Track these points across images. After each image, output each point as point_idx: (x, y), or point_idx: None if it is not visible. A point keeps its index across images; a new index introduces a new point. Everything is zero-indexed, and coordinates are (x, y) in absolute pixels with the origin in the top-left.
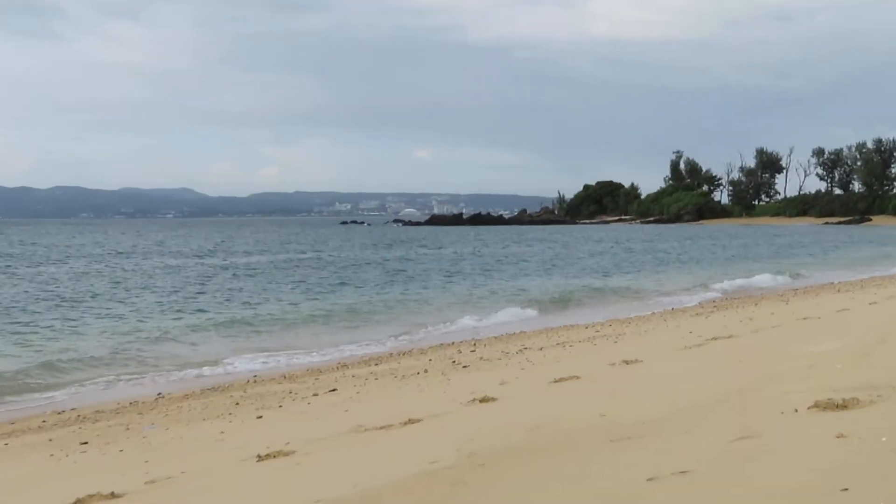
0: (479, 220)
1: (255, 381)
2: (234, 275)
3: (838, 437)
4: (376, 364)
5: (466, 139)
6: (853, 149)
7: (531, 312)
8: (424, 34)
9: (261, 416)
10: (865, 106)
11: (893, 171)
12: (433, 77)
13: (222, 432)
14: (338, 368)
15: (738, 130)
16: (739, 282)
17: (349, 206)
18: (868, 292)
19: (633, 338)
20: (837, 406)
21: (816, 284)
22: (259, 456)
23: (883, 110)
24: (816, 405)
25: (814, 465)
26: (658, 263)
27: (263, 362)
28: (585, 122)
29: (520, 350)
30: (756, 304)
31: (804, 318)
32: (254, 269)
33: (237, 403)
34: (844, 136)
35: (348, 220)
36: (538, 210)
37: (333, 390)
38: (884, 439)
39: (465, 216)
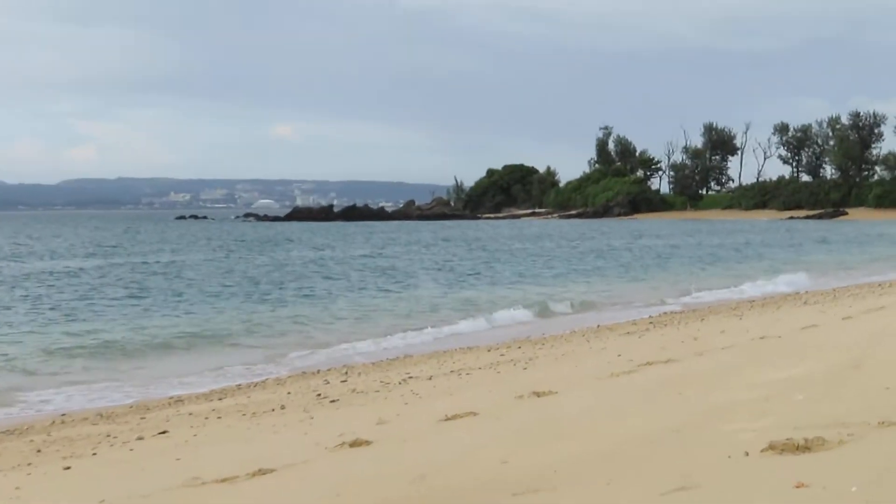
0: (354, 214)
1: (62, 422)
2: (35, 285)
3: (798, 486)
4: (220, 398)
5: (339, 113)
6: (824, 125)
7: (428, 333)
8: None
9: (69, 467)
10: (839, 72)
11: (874, 152)
12: (298, 35)
13: (18, 488)
14: (170, 404)
15: (682, 102)
16: (721, 293)
17: (188, 197)
18: (841, 304)
19: (546, 363)
20: (798, 448)
21: (777, 294)
22: None
23: (861, 77)
24: (772, 447)
25: None
26: (588, 271)
27: (73, 396)
28: (490, 92)
29: (404, 379)
30: (702, 320)
31: (761, 338)
32: (65, 277)
33: (39, 451)
34: (814, 109)
35: (187, 215)
36: (429, 202)
37: (163, 432)
38: (854, 489)
39: (336, 209)
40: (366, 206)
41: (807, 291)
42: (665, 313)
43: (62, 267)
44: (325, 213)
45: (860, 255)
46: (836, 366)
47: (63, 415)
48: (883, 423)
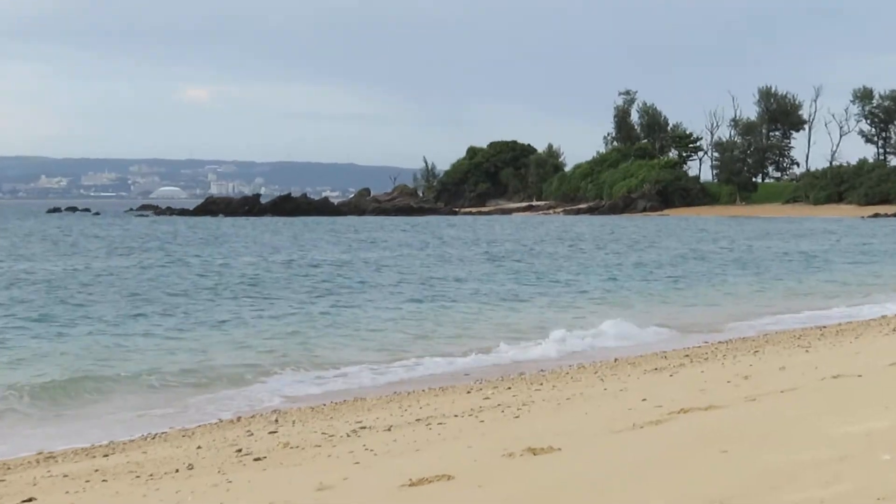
0: (289, 206)
1: None
2: None
3: None
4: (105, 455)
5: (270, 72)
6: None
7: (394, 372)
8: None
9: None
10: None
11: None
12: None
13: None
14: (39, 462)
15: (730, 59)
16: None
17: (65, 182)
18: None
19: (546, 409)
20: None
21: (855, 319)
22: None
23: None
24: None
25: None
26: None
27: None
28: (472, 44)
29: (354, 430)
30: (756, 352)
31: (834, 377)
32: None
33: None
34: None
35: (63, 207)
36: (390, 191)
37: (29, 501)
38: None
39: (264, 200)
40: (304, 195)
41: (894, 315)
42: (707, 343)
43: None
44: (249, 205)
45: None
46: None
47: None
48: None
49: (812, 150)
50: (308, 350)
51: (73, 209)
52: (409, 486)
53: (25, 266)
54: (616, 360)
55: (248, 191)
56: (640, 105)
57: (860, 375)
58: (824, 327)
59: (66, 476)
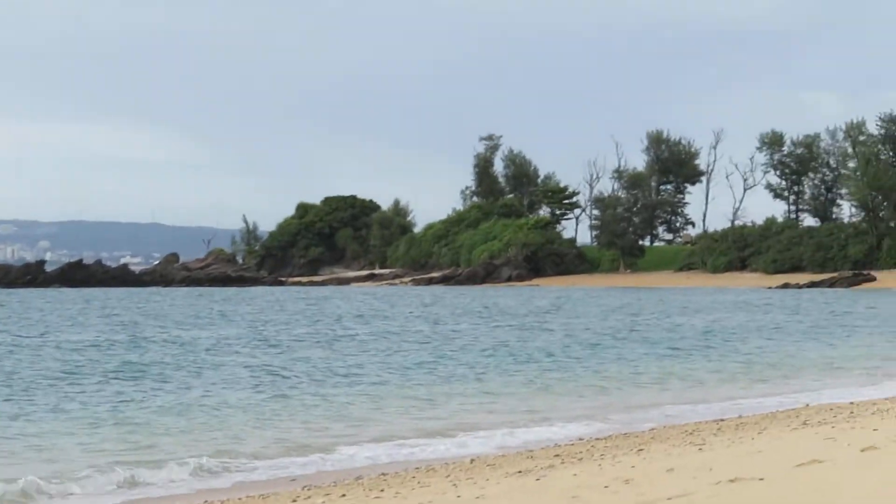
0: (81, 275)
1: None
2: None
3: None
4: None
5: (56, 109)
6: (839, 134)
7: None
8: None
9: None
10: (860, 50)
11: None
12: None
13: None
14: None
15: (613, 99)
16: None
17: None
18: (862, 425)
19: None
20: None
21: (759, 411)
22: None
23: (883, 63)
24: None
25: None
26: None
27: None
28: (306, 83)
29: None
30: (640, 451)
31: (731, 481)
32: None
33: None
34: (823, 108)
35: None
36: (203, 256)
37: None
38: None
39: (49, 268)
40: (99, 262)
41: (807, 405)
42: (581, 440)
43: None
44: (32, 274)
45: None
46: None
47: None
48: None
49: (710, 208)
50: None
51: None
52: None
53: None
54: (472, 460)
55: (30, 257)
56: (506, 152)
57: (762, 479)
58: (722, 420)
59: None
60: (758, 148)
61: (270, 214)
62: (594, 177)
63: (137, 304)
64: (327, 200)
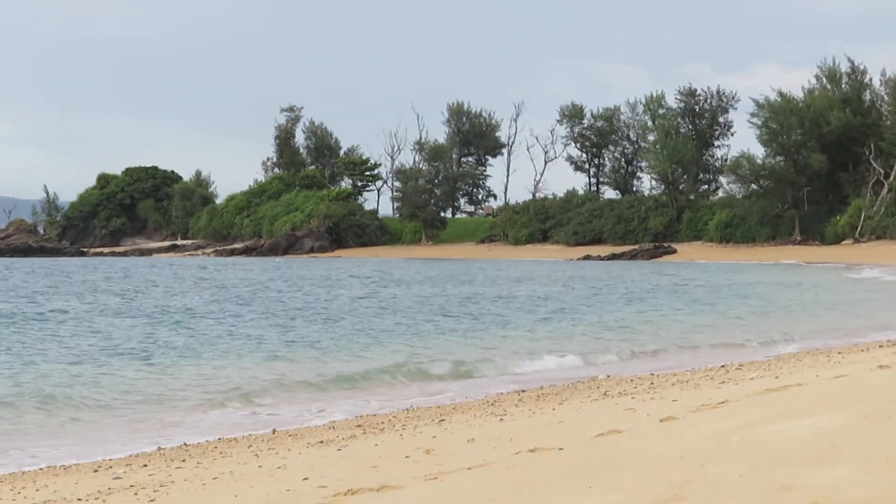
0: None
1: None
2: None
3: None
4: None
5: None
6: (640, 107)
7: None
8: None
9: None
10: (664, 25)
11: (717, 154)
12: None
13: None
14: None
15: (408, 69)
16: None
17: None
18: (661, 397)
19: (188, 491)
20: None
21: (560, 382)
22: None
23: (696, 34)
24: None
25: None
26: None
27: None
28: (105, 53)
29: None
30: (442, 421)
31: (531, 451)
32: None
33: None
34: (625, 80)
35: None
36: (4, 227)
37: None
38: None
39: None
40: None
41: (608, 377)
42: (383, 411)
43: None
44: None
45: (697, 318)
46: (648, 498)
47: None
48: None
49: (512, 180)
50: None
51: None
52: None
53: None
54: (274, 431)
55: None
56: (307, 124)
57: (561, 448)
58: (523, 391)
59: None
60: (558, 121)
61: (72, 185)
62: (395, 149)
63: None
64: (128, 171)
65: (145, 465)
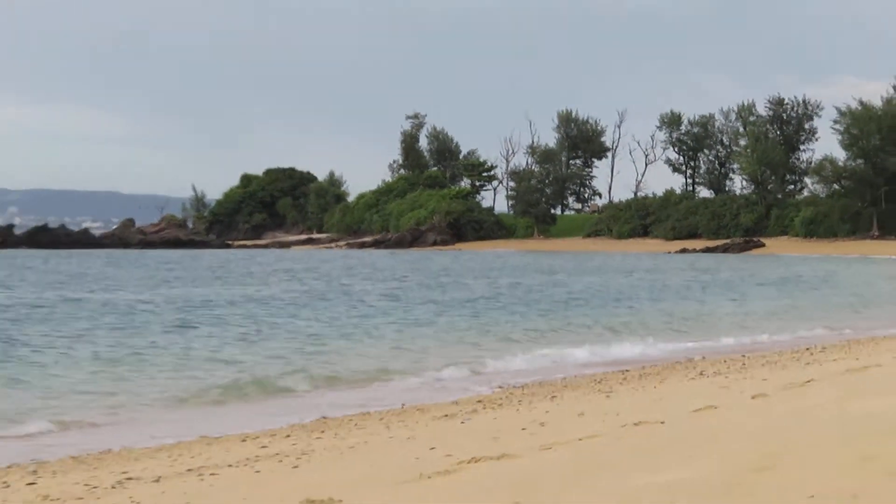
0: (46, 238)
1: None
2: None
3: None
4: None
5: (24, 91)
6: (732, 115)
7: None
8: None
9: None
10: (754, 38)
11: (803, 157)
12: None
13: None
14: None
15: (527, 81)
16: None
17: None
18: (752, 377)
19: (327, 458)
20: None
21: (661, 362)
22: None
23: (785, 48)
24: None
25: None
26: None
27: None
28: (244, 62)
29: (119, 482)
30: (554, 398)
31: (635, 424)
32: None
33: None
34: (718, 91)
35: None
36: (157, 221)
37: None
38: None
39: (18, 230)
40: (62, 226)
41: (703, 358)
42: (501, 388)
43: None
44: (2, 237)
45: (786, 305)
46: (742, 465)
47: None
48: None
49: (615, 180)
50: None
51: None
52: None
53: None
54: (403, 405)
55: (0, 221)
56: (430, 130)
57: (663, 422)
58: (627, 371)
59: None
60: (658, 126)
61: (218, 184)
62: (510, 152)
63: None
64: (269, 172)
65: (288, 436)
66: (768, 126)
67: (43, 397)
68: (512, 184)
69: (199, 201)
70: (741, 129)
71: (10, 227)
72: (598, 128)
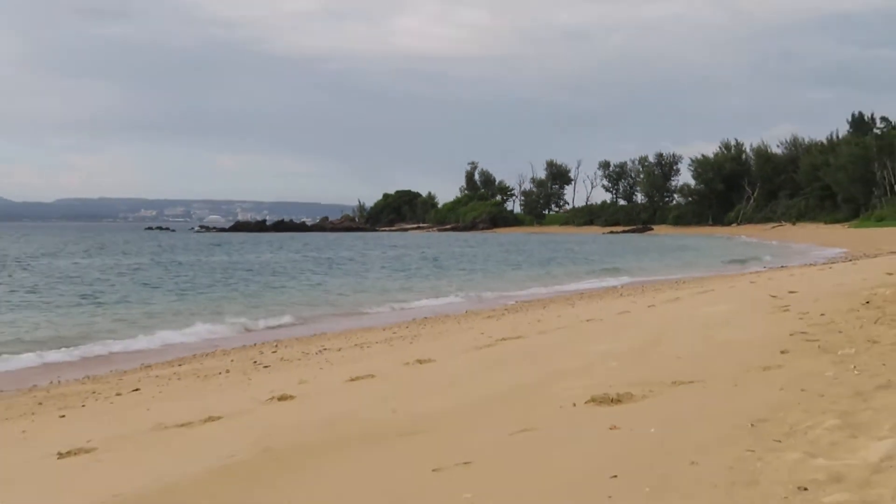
0: (282, 226)
1: (58, 383)
2: (67, 276)
3: (611, 428)
4: (179, 365)
5: (269, 147)
6: (636, 162)
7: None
8: (232, 45)
9: (63, 416)
10: (650, 124)
11: (673, 183)
12: (238, 86)
13: (24, 431)
14: (141, 369)
15: (533, 144)
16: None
17: (154, 213)
18: (647, 296)
19: (428, 339)
20: (612, 400)
21: (601, 288)
22: (60, 453)
23: (665, 127)
24: (593, 399)
25: (587, 453)
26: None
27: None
28: (385, 133)
29: (319, 351)
30: (545, 307)
31: (587, 321)
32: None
33: (40, 403)
34: (629, 151)
35: (153, 227)
36: (339, 218)
37: (136, 390)
38: (652, 430)
39: (268, 223)
40: (291, 220)
41: (623, 286)
42: (518, 302)
43: (114, 262)
44: (259, 226)
45: (663, 260)
46: (642, 341)
47: (59, 378)
48: (675, 382)
49: (576, 196)
50: (284, 304)
51: (159, 228)
52: (350, 381)
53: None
54: (466, 311)
55: (259, 218)
56: (480, 170)
57: (602, 320)
58: (582, 293)
59: (157, 376)
60: (598, 168)
61: (371, 197)
62: (521, 181)
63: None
64: (397, 192)
65: (408, 327)
66: (654, 167)
67: (292, 303)
68: (522, 197)
69: (361, 207)
70: (640, 169)
71: (264, 221)
72: (567, 168)
